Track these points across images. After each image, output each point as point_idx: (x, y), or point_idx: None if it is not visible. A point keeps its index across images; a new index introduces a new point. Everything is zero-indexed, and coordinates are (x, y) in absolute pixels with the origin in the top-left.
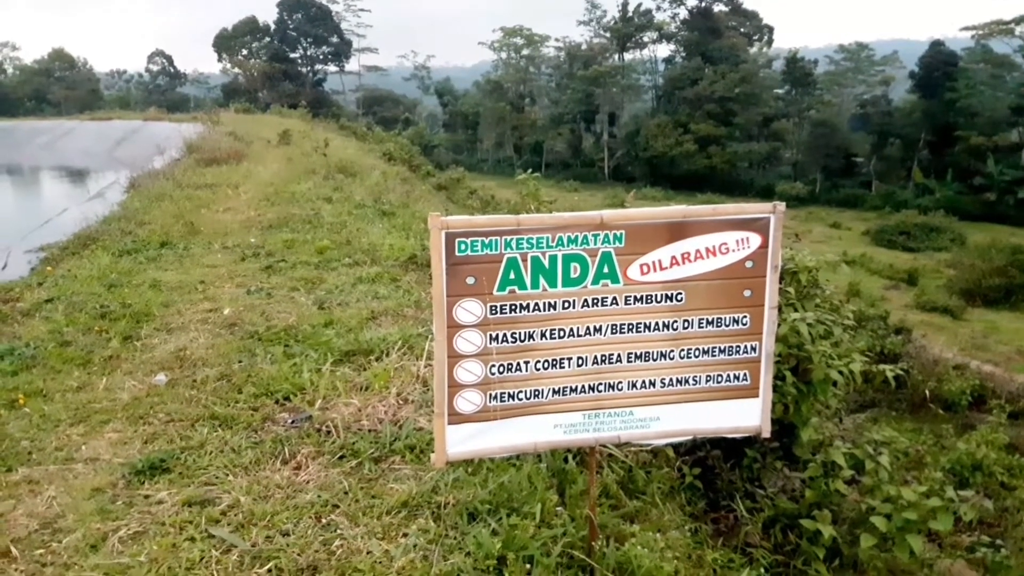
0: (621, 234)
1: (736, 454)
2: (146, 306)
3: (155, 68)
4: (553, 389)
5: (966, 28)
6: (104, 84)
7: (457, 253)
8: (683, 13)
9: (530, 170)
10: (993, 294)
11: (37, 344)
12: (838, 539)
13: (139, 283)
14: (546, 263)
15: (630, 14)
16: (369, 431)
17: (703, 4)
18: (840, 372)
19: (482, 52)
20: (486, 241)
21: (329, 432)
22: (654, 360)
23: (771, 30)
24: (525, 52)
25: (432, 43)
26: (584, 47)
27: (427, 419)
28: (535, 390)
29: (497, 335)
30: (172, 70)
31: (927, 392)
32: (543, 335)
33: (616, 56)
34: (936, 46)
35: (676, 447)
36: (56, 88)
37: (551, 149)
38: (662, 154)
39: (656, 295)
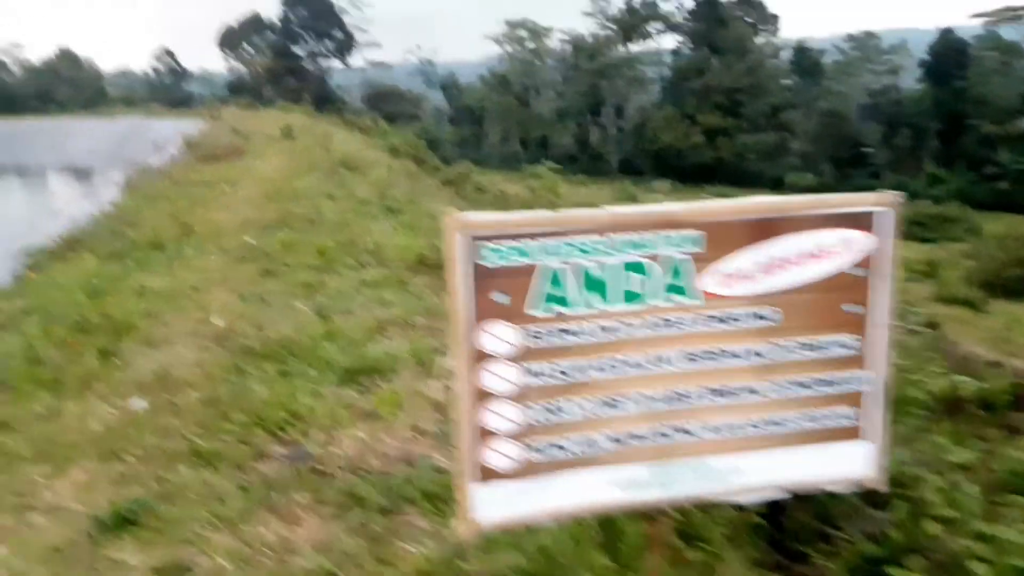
0: (699, 235)
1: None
2: (128, 316)
3: (161, 66)
4: (610, 437)
5: (976, 15)
6: (110, 83)
7: (482, 262)
8: (689, 3)
9: (547, 161)
10: (1013, 285)
11: (5, 363)
12: None
13: (124, 290)
14: (598, 274)
15: (635, 5)
16: (377, 473)
17: None
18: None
19: (487, 46)
20: (520, 246)
21: (330, 474)
22: (737, 397)
23: (777, 19)
24: (530, 45)
25: (437, 37)
26: (589, 39)
27: (446, 457)
28: (587, 438)
29: (537, 369)
30: (178, 68)
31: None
32: (596, 368)
33: (622, 48)
34: (946, 34)
35: None
36: (62, 87)
37: (557, 143)
38: (669, 146)
39: (741, 314)
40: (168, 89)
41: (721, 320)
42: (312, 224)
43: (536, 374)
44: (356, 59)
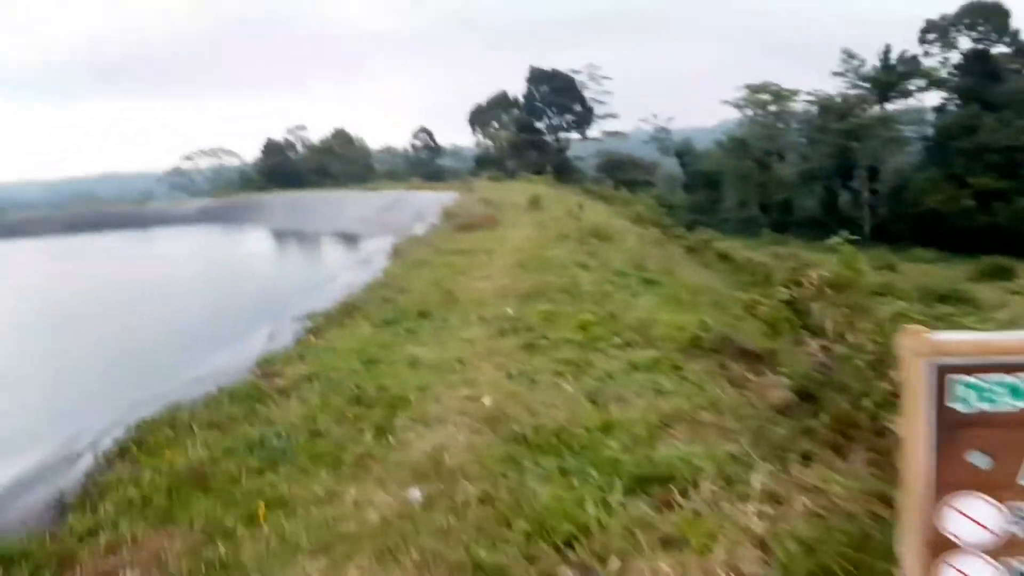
0: None
1: None
2: (402, 390)
3: (418, 143)
4: None
5: None
6: (376, 159)
7: (953, 404)
8: (955, 57)
9: (845, 233)
10: None
11: (288, 433)
12: None
13: (397, 360)
14: None
15: (892, 62)
16: None
17: (979, 47)
18: None
19: (724, 111)
20: (1016, 383)
21: None
22: None
23: None
24: (772, 108)
25: (672, 105)
26: (838, 99)
27: None
28: None
29: None
30: (433, 144)
31: None
32: None
33: (876, 107)
34: None
35: None
36: (336, 163)
37: (801, 207)
38: (933, 211)
39: None
40: (424, 163)
41: None
42: (570, 295)
43: None
44: (593, 130)
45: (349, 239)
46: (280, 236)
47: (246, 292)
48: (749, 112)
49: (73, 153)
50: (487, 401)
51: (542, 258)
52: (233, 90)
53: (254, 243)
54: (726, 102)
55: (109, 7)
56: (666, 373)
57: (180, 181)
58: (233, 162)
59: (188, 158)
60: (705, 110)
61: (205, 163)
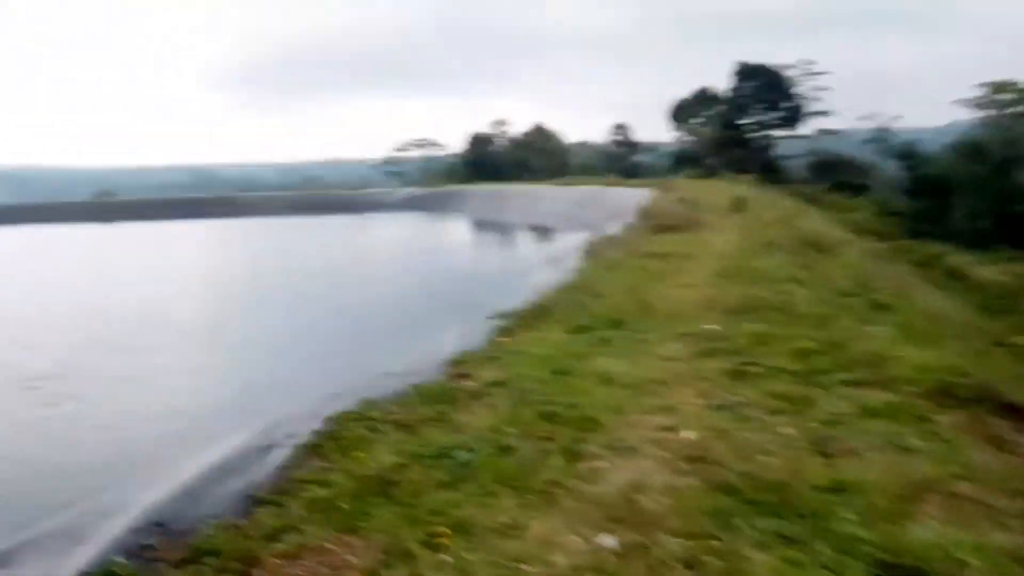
0: None
1: None
2: (594, 409)
3: (615, 139)
4: None
5: None
6: (573, 154)
7: None
8: None
9: None
10: None
11: (476, 446)
12: None
13: (588, 373)
14: None
15: None
16: None
17: None
18: None
19: (956, 111)
20: None
21: None
22: None
23: None
24: (1015, 109)
25: (897, 103)
26: None
27: None
28: None
29: None
30: (630, 140)
31: None
32: None
33: None
34: None
35: None
36: (535, 157)
37: None
38: None
39: None
40: (620, 159)
41: None
42: (783, 315)
43: None
44: (803, 128)
45: (543, 232)
46: (479, 225)
47: (442, 280)
48: (986, 113)
49: (303, 140)
50: (689, 435)
51: (749, 268)
52: (444, 85)
53: (454, 232)
54: (959, 101)
55: (337, 7)
56: (910, 425)
57: (393, 169)
58: (440, 153)
59: (401, 148)
60: (933, 110)
61: (415, 153)
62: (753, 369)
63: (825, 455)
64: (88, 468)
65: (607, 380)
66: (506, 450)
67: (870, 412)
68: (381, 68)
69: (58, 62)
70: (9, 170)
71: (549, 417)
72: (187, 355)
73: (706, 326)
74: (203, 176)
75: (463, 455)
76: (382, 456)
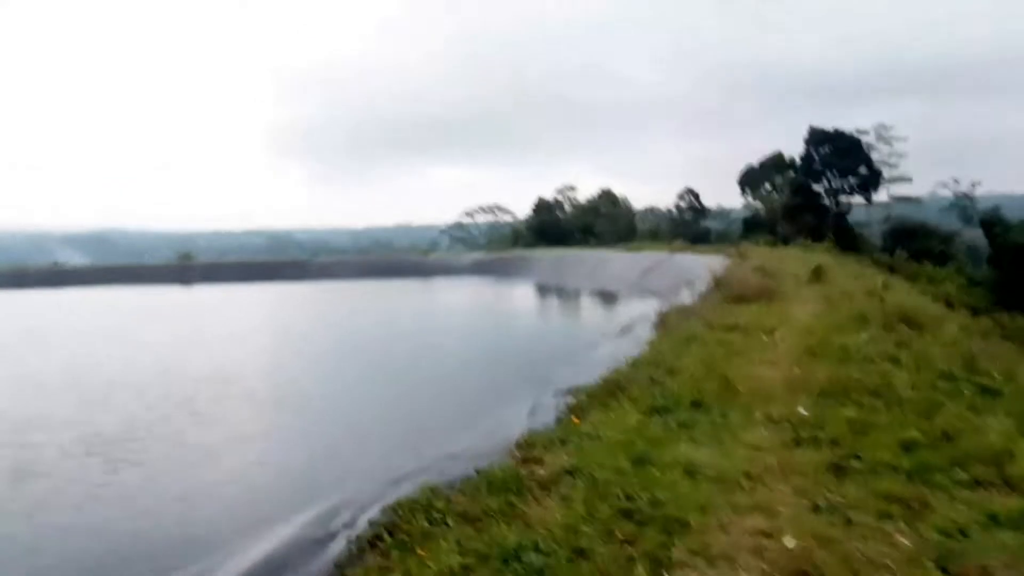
0: None
1: None
2: (679, 508)
3: (683, 204)
4: None
5: None
6: (639, 219)
7: None
8: None
9: None
10: None
11: (548, 548)
12: None
13: (670, 463)
14: None
15: None
16: None
17: None
18: None
19: None
20: None
21: None
22: None
23: None
24: None
25: (978, 169)
26: None
27: None
28: None
29: None
30: (697, 205)
31: None
32: None
33: None
34: None
35: None
36: (601, 222)
37: None
38: None
39: None
40: (688, 225)
41: None
42: (882, 400)
43: None
44: (880, 194)
45: (609, 298)
46: (543, 291)
47: (507, 351)
48: None
49: (374, 205)
50: (789, 542)
51: (838, 345)
52: (514, 152)
53: (519, 297)
54: None
55: (411, 76)
56: None
57: (460, 235)
58: (507, 219)
59: (468, 214)
60: (1017, 176)
61: (482, 219)
62: (854, 464)
63: (950, 574)
64: (130, 553)
65: (691, 471)
66: (582, 554)
67: (999, 521)
68: (453, 135)
69: (139, 125)
70: (92, 231)
71: (629, 515)
72: (254, 421)
73: (795, 410)
74: (278, 240)
75: (535, 559)
76: (446, 556)
